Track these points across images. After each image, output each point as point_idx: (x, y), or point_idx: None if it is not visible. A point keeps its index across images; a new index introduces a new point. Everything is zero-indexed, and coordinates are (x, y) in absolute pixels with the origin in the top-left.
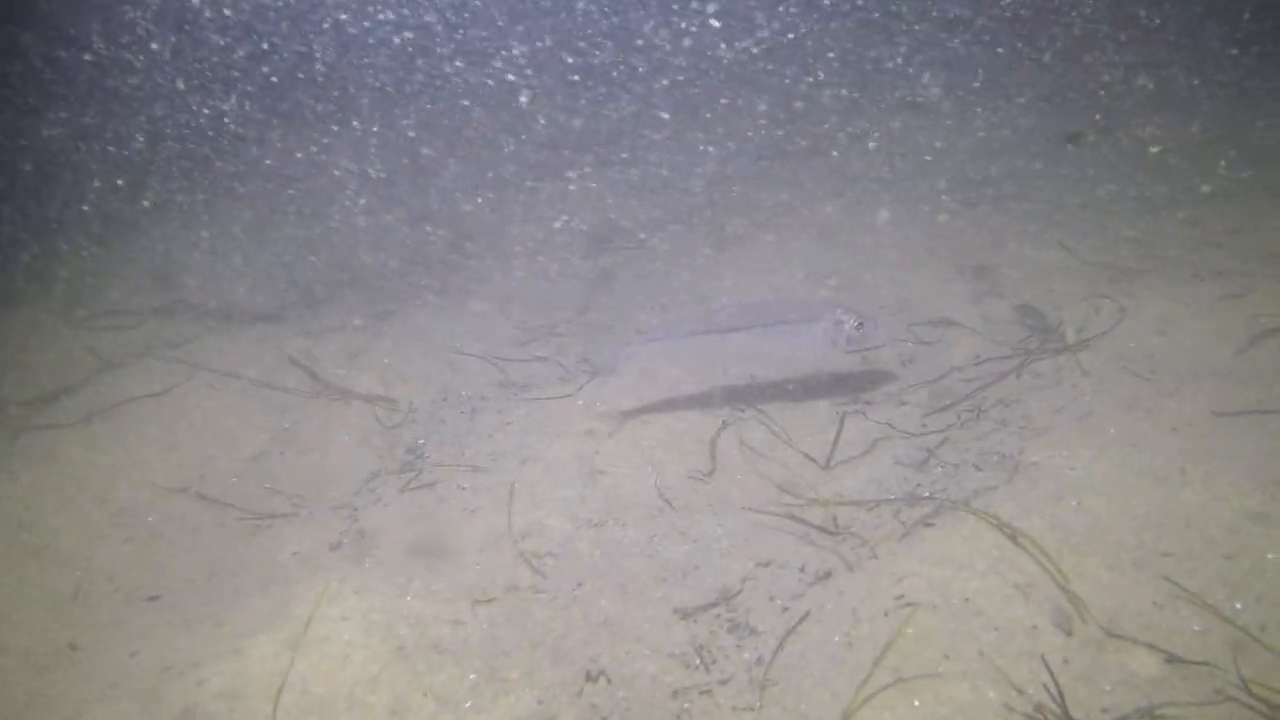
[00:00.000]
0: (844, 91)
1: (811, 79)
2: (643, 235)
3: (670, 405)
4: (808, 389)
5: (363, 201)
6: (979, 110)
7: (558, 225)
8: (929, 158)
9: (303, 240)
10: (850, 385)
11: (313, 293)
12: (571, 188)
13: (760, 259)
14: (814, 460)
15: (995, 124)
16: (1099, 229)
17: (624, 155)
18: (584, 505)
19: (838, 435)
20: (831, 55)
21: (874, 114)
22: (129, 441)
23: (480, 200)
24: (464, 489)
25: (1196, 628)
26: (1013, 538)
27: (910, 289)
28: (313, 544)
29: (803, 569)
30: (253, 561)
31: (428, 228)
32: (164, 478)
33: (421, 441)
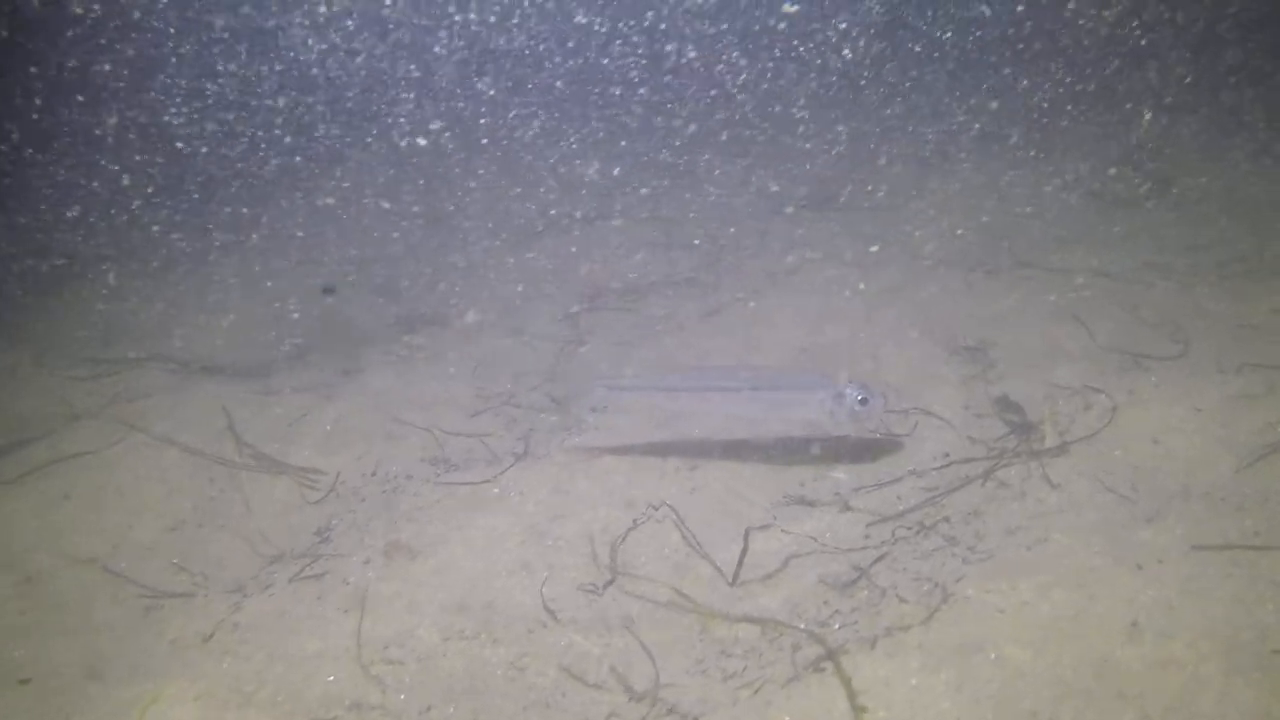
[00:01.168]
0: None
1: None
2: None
3: (589, 494)
4: (752, 467)
5: (347, 256)
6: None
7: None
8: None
9: (285, 295)
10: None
11: (286, 349)
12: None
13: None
14: (723, 574)
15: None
16: (1129, 303)
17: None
18: (461, 614)
19: (743, 555)
20: None
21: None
22: (54, 504)
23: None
24: (347, 584)
25: None
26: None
27: (894, 370)
28: (192, 632)
29: (672, 709)
30: (131, 647)
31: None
32: (77, 546)
33: (334, 522)
